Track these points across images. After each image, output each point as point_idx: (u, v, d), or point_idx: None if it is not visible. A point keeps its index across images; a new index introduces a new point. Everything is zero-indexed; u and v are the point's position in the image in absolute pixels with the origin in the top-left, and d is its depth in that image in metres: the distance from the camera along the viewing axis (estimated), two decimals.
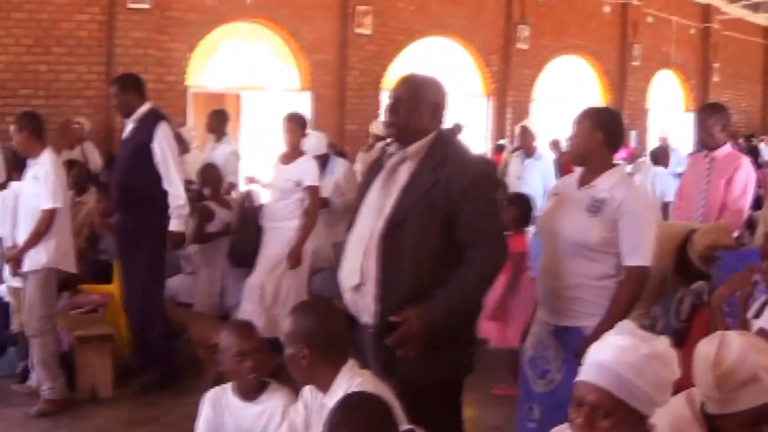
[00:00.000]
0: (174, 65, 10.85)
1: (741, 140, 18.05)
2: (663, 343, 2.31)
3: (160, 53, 10.67)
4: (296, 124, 6.59)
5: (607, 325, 3.25)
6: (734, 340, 2.59)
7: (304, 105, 12.42)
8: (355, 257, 3.45)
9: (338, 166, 7.72)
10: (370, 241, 3.40)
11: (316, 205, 6.56)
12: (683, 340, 3.95)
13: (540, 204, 8.11)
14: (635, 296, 3.66)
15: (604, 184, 3.71)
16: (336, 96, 13.09)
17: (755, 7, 22.46)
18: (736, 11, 21.93)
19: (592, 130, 3.74)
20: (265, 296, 6.40)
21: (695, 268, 4.51)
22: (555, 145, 12.71)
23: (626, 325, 2.41)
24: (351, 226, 3.65)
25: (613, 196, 3.65)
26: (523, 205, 6.47)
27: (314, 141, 7.38)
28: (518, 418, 4.02)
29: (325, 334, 3.02)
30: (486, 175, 3.58)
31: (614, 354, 2.26)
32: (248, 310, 6.31)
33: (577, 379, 2.32)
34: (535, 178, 8.49)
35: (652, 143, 18.20)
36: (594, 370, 2.28)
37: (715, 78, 21.77)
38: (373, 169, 3.72)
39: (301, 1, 12.38)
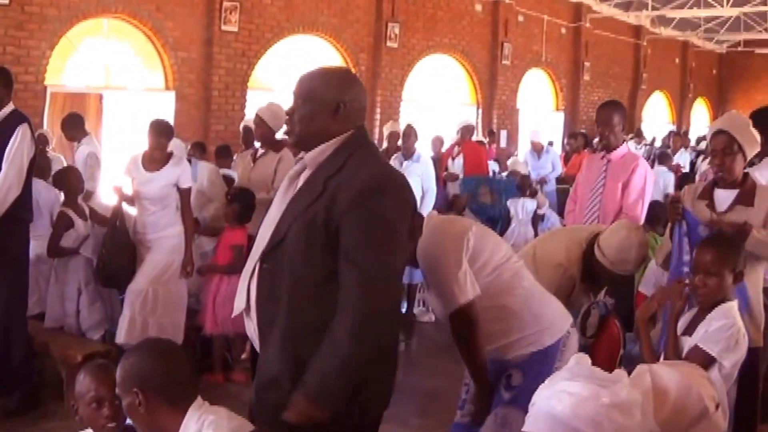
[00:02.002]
0: (32, 63, 10.98)
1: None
2: (624, 388, 2.17)
3: (18, 51, 10.82)
4: (159, 131, 6.67)
5: (474, 373, 3.71)
6: (665, 374, 2.48)
7: (168, 105, 12.89)
8: (243, 279, 3.22)
9: (201, 170, 7.91)
10: (258, 262, 3.16)
11: (190, 207, 6.87)
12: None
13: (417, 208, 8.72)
14: (461, 334, 3.69)
15: None
16: (201, 95, 13.38)
17: (626, 6, 24.04)
18: (607, 10, 23.38)
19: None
20: (146, 302, 6.59)
21: (605, 273, 4.56)
22: (436, 143, 13.17)
23: (582, 365, 2.27)
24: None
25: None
26: (245, 200, 6.92)
27: (179, 146, 7.71)
28: None
29: (161, 375, 2.87)
30: (380, 186, 3.04)
31: (571, 405, 2.11)
32: (128, 316, 6.52)
33: (525, 430, 2.20)
34: (413, 181, 8.53)
35: (522, 143, 19.43)
36: (545, 422, 2.14)
37: (586, 77, 23.27)
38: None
39: None
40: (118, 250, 6.69)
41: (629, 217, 5.63)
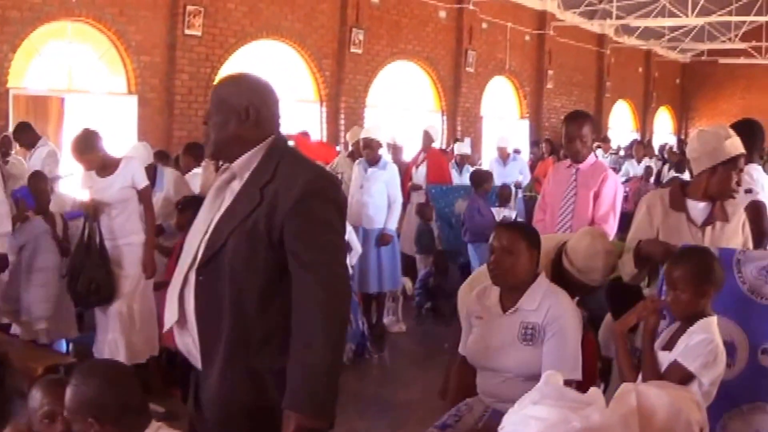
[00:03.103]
0: None
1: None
2: (597, 411, 2.13)
3: None
4: (80, 150, 6.50)
5: None
6: (654, 395, 2.48)
7: (130, 109, 13.02)
8: (173, 292, 3.19)
9: (166, 177, 7.99)
10: (190, 274, 3.15)
11: (152, 206, 6.86)
12: None
13: (381, 214, 8.78)
14: None
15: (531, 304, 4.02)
16: (164, 100, 13.46)
17: (590, 15, 24.53)
18: (571, 18, 23.85)
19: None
20: (125, 321, 6.60)
21: (573, 282, 4.56)
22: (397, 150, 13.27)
23: (552, 385, 2.24)
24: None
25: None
26: (197, 207, 6.97)
27: (142, 151, 7.89)
28: None
29: (115, 401, 2.85)
30: (318, 190, 3.12)
31: (539, 431, 2.09)
32: (111, 339, 6.54)
33: None
34: (378, 188, 8.89)
35: (486, 151, 19.75)
36: None
37: (549, 85, 23.69)
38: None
39: (128, 0, 12.70)
40: (91, 269, 6.58)
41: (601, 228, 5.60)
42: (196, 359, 3.17)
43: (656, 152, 21.22)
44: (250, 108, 3.15)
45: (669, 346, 3.76)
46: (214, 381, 3.10)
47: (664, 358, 3.72)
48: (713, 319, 3.71)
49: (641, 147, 18.57)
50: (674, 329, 3.83)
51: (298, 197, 3.04)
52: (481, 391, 4.17)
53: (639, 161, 16.86)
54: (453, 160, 13.34)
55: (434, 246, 10.87)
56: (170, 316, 3.20)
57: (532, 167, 15.35)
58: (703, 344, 3.59)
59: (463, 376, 4.33)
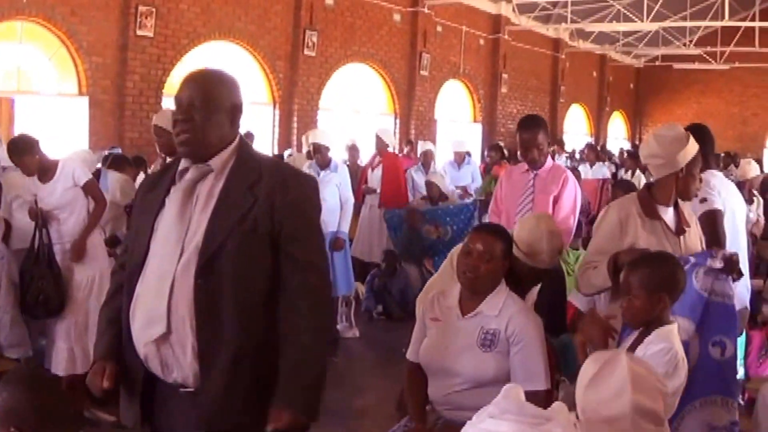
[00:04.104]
0: None
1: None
2: (559, 426, 2.12)
3: None
4: (16, 153, 6.50)
5: None
6: (621, 366, 2.62)
7: (81, 111, 13.07)
8: (155, 301, 3.08)
9: (112, 181, 7.93)
10: (179, 279, 3.06)
11: (100, 196, 6.78)
12: None
13: (335, 218, 8.89)
14: None
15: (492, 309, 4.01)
16: (115, 101, 13.51)
17: (545, 19, 24.88)
18: (525, 22, 24.16)
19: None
20: (79, 329, 6.63)
21: (522, 268, 4.51)
22: (353, 151, 13.30)
23: (511, 399, 2.20)
24: (131, 262, 3.26)
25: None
26: None
27: (83, 158, 7.88)
28: None
29: (38, 411, 2.70)
30: (311, 192, 3.34)
31: None
32: (65, 348, 6.57)
33: None
34: (331, 190, 8.99)
35: (440, 154, 19.97)
36: None
37: (504, 89, 24.07)
38: (151, 190, 3.37)
39: (80, 0, 12.74)
40: (41, 278, 6.56)
41: (563, 231, 5.42)
42: (171, 373, 3.11)
43: (616, 157, 21.62)
44: (237, 109, 3.24)
45: None
46: (217, 392, 3.06)
47: None
48: (672, 328, 3.69)
49: (593, 151, 18.82)
50: (633, 339, 3.79)
51: (295, 199, 3.16)
52: (432, 399, 4.12)
53: (591, 165, 17.15)
54: (419, 162, 13.51)
55: (424, 253, 10.88)
56: (156, 328, 3.08)
57: (487, 171, 15.61)
58: (661, 354, 3.53)
59: (417, 384, 4.21)
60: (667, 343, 3.58)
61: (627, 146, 29.22)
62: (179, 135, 3.16)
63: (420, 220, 10.89)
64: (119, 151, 10.79)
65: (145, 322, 3.11)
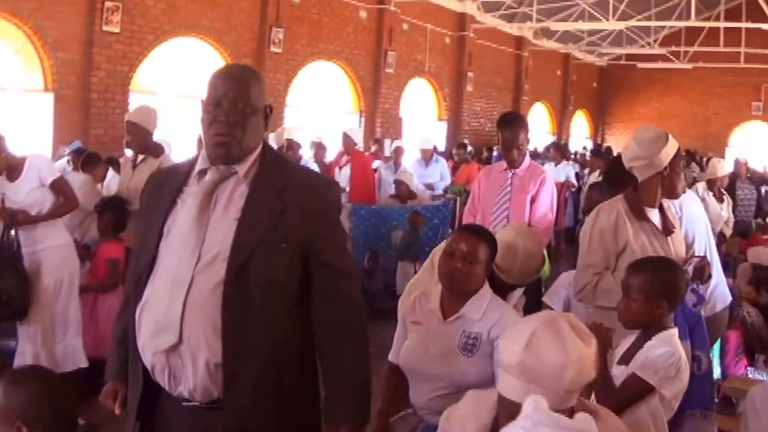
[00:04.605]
0: None
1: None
2: None
3: None
4: None
5: None
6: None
7: (47, 106, 13.00)
8: (168, 309, 2.96)
9: (72, 182, 7.42)
10: (196, 286, 2.95)
11: (70, 193, 6.62)
12: None
13: None
14: None
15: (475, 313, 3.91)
16: (80, 98, 13.45)
17: (509, 17, 25.13)
18: (490, 21, 24.43)
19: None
20: (47, 333, 6.46)
21: (499, 278, 4.42)
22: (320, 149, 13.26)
23: (542, 411, 2.23)
24: (139, 263, 3.15)
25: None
26: (115, 209, 6.89)
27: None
28: None
29: (46, 409, 2.75)
30: (336, 199, 3.36)
31: None
32: (31, 352, 6.38)
33: None
34: None
35: (407, 152, 20.08)
36: None
37: (469, 87, 24.27)
38: (159, 189, 3.26)
39: None
40: (5, 278, 6.34)
41: (539, 231, 5.58)
42: (178, 384, 3.01)
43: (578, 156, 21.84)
44: (268, 109, 3.18)
45: (625, 359, 3.74)
46: (242, 405, 2.98)
47: (620, 372, 3.69)
48: (674, 332, 3.72)
49: (558, 150, 18.91)
50: (630, 343, 3.80)
51: (325, 207, 3.15)
52: (414, 403, 4.05)
53: (556, 164, 17.31)
54: (391, 160, 13.58)
55: (420, 252, 10.86)
56: (167, 337, 2.97)
57: (455, 169, 15.78)
58: (665, 357, 3.57)
59: (395, 387, 4.19)
60: (670, 347, 3.62)
61: (590, 145, 29.58)
62: (220, 137, 3.04)
63: (420, 222, 11.04)
64: (79, 144, 10.73)
65: (154, 329, 3.00)
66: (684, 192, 4.84)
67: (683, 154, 20.23)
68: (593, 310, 4.66)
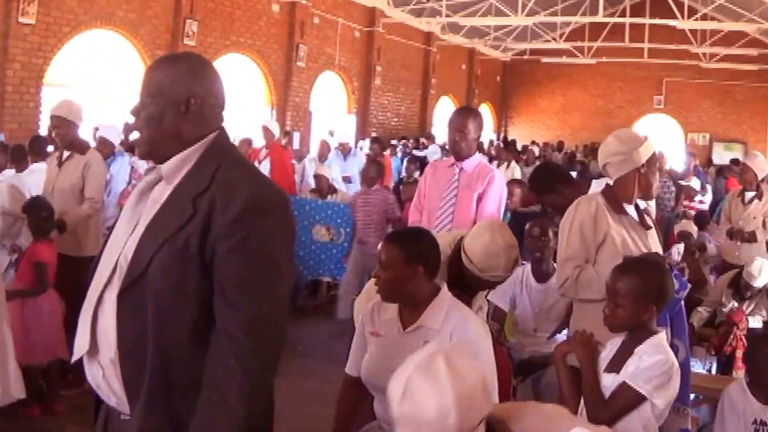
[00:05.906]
0: None
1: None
2: None
3: None
4: None
5: None
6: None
7: None
8: (85, 315, 2.74)
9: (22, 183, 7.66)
10: (105, 297, 2.69)
11: None
12: None
13: None
14: None
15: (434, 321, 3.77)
16: None
17: (418, 12, 25.78)
18: (399, 15, 25.05)
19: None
20: None
21: (475, 280, 4.42)
22: (244, 144, 13.67)
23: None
24: (91, 268, 2.87)
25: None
26: (37, 210, 6.62)
27: None
28: None
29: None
30: (258, 209, 2.63)
31: None
32: None
33: None
34: None
35: (315, 145, 20.44)
36: None
37: (377, 81, 24.84)
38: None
39: None
40: None
41: None
42: (107, 395, 2.73)
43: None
44: (191, 99, 2.72)
45: (614, 367, 3.65)
46: (138, 427, 2.65)
47: (609, 380, 3.62)
48: (662, 336, 3.65)
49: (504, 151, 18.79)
50: (616, 347, 3.72)
51: (237, 214, 2.58)
52: (379, 416, 3.90)
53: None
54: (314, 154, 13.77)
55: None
56: (81, 343, 2.73)
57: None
58: (658, 366, 3.50)
59: (350, 403, 4.07)
60: (663, 355, 3.55)
61: (494, 138, 30.38)
62: (135, 132, 2.82)
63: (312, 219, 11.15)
64: (1, 138, 10.74)
65: (78, 336, 2.76)
66: (657, 193, 4.87)
67: (587, 146, 20.79)
68: (575, 304, 4.72)
